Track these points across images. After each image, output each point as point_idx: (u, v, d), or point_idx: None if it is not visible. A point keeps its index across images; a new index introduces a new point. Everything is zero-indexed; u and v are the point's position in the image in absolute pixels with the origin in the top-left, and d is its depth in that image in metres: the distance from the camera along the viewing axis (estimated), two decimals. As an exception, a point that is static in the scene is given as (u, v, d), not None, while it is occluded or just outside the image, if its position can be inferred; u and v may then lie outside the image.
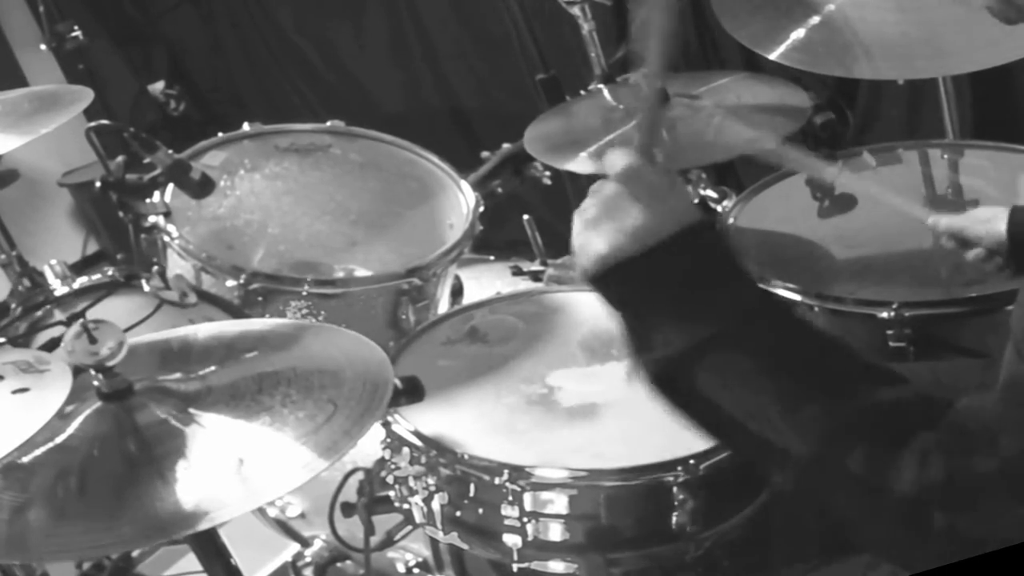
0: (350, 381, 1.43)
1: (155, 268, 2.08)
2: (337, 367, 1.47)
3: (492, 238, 2.39)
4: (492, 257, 2.64)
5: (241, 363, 1.52)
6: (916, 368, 1.78)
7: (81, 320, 1.38)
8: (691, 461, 1.51)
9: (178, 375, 1.47)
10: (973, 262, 1.80)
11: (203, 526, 1.23)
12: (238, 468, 1.29)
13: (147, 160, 2.01)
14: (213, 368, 1.49)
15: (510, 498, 1.53)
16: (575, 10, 2.71)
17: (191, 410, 1.39)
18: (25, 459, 1.35)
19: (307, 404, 1.39)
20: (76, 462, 1.34)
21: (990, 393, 1.33)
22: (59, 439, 1.37)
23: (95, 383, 1.40)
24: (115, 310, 1.91)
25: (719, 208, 2.33)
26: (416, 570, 1.94)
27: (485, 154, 2.70)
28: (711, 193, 2.40)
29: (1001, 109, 2.80)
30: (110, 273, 2.05)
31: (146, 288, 1.96)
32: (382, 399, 1.40)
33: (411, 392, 1.55)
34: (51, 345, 1.77)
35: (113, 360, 1.37)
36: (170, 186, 2.09)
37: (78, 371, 1.41)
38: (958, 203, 2.12)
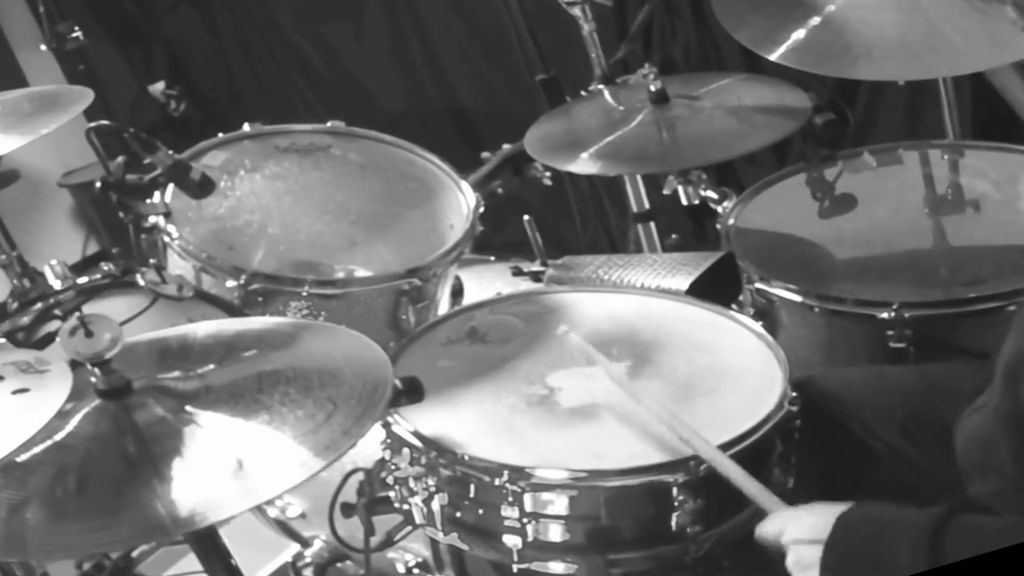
0: (349, 380, 1.43)
1: (152, 262, 2.08)
2: (336, 366, 1.47)
3: (492, 238, 2.39)
4: (492, 257, 2.64)
5: (240, 362, 1.52)
6: (911, 376, 1.78)
7: (77, 313, 1.37)
8: (691, 461, 1.51)
9: (177, 374, 1.47)
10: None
11: (201, 525, 1.23)
12: (237, 469, 1.29)
13: (147, 160, 2.01)
14: (212, 367, 1.49)
15: (510, 499, 1.53)
16: (575, 10, 2.71)
17: (189, 409, 1.39)
18: (23, 457, 1.35)
19: (306, 403, 1.39)
20: (74, 461, 1.34)
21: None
22: (57, 437, 1.37)
23: (93, 380, 1.39)
24: (113, 308, 1.91)
25: (719, 208, 2.33)
26: (416, 571, 1.94)
27: (485, 154, 2.70)
28: (711, 193, 2.40)
29: (1001, 109, 2.80)
30: (107, 268, 2.04)
31: (141, 282, 1.96)
32: (382, 398, 1.40)
33: (411, 392, 1.55)
34: (44, 341, 1.76)
35: (109, 353, 1.37)
36: (170, 186, 2.09)
37: (76, 365, 1.40)
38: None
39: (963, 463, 1.52)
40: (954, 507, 1.30)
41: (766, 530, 1.45)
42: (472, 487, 1.57)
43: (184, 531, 1.24)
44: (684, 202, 2.48)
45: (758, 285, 1.99)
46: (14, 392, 1.41)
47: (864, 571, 1.32)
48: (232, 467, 1.29)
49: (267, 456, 1.32)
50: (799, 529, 1.40)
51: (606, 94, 2.60)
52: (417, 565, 1.94)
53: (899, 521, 1.33)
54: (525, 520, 1.54)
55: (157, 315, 1.93)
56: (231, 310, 2.02)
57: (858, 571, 1.33)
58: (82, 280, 2.06)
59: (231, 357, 1.53)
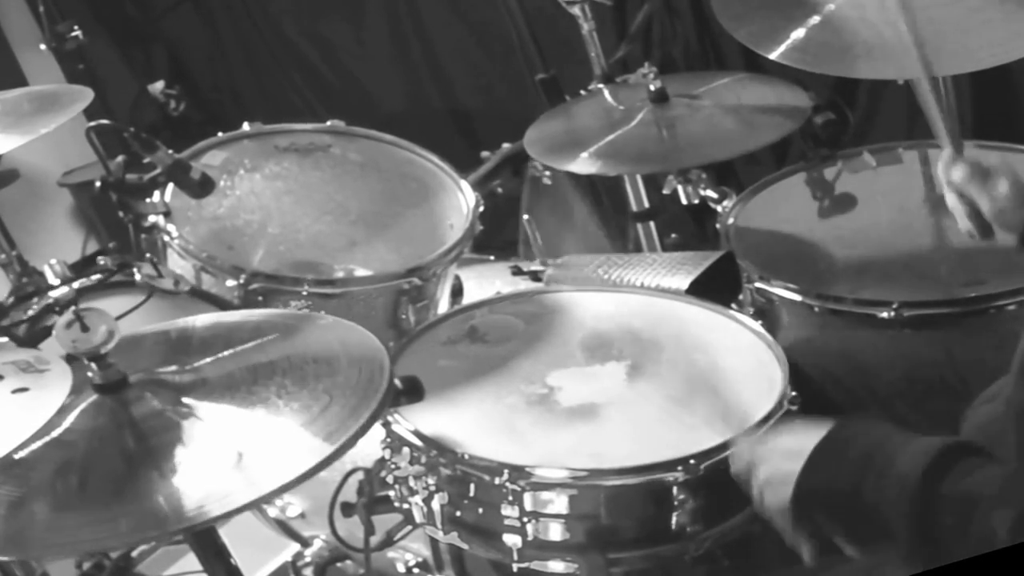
0: (345, 371, 1.43)
1: (148, 256, 2.08)
2: (332, 356, 1.47)
3: (492, 238, 2.39)
4: (492, 257, 2.64)
5: (236, 354, 1.51)
6: (926, 341, 1.77)
7: (72, 308, 1.37)
8: (691, 461, 1.51)
9: (173, 367, 1.47)
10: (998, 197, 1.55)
11: (202, 519, 1.23)
12: (237, 462, 1.29)
13: (147, 160, 2.01)
14: (208, 359, 1.49)
15: (510, 498, 1.53)
16: (575, 10, 2.72)
17: (186, 401, 1.39)
18: (20, 454, 1.35)
19: (302, 395, 1.39)
20: (73, 456, 1.34)
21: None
22: (55, 433, 1.37)
23: (89, 375, 1.39)
24: (110, 305, 1.91)
25: (719, 208, 2.33)
26: (416, 570, 1.95)
27: (485, 154, 2.70)
28: (711, 193, 2.40)
29: (1001, 109, 2.80)
30: (102, 262, 2.04)
31: (138, 277, 1.95)
32: (379, 387, 1.39)
33: (411, 392, 1.55)
34: (42, 335, 1.76)
35: (105, 347, 1.37)
36: (170, 186, 2.09)
37: (71, 359, 1.40)
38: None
39: None
40: (963, 446, 1.23)
41: (742, 450, 1.38)
42: (472, 486, 1.57)
43: (184, 524, 1.24)
44: (684, 202, 2.48)
45: (758, 284, 1.99)
46: (14, 391, 1.41)
47: (844, 496, 1.24)
48: (232, 459, 1.29)
49: (267, 448, 1.32)
50: (780, 442, 1.34)
51: (606, 94, 2.60)
52: (417, 564, 1.94)
53: (896, 444, 1.25)
54: (525, 519, 1.54)
55: (153, 311, 1.93)
56: (227, 308, 2.02)
57: (838, 493, 1.25)
58: (83, 280, 2.06)
59: (227, 350, 1.53)
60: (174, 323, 1.65)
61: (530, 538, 1.55)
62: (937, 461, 1.20)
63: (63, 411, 1.38)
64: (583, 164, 2.33)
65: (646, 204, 2.78)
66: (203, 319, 1.66)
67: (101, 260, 2.04)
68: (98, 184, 2.00)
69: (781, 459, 1.32)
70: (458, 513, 1.60)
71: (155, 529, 1.25)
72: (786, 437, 1.35)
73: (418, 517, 1.66)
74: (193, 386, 1.42)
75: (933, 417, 1.62)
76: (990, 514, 1.14)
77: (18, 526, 1.27)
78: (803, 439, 1.31)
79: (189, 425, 1.36)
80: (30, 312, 1.91)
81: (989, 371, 1.53)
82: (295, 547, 2.13)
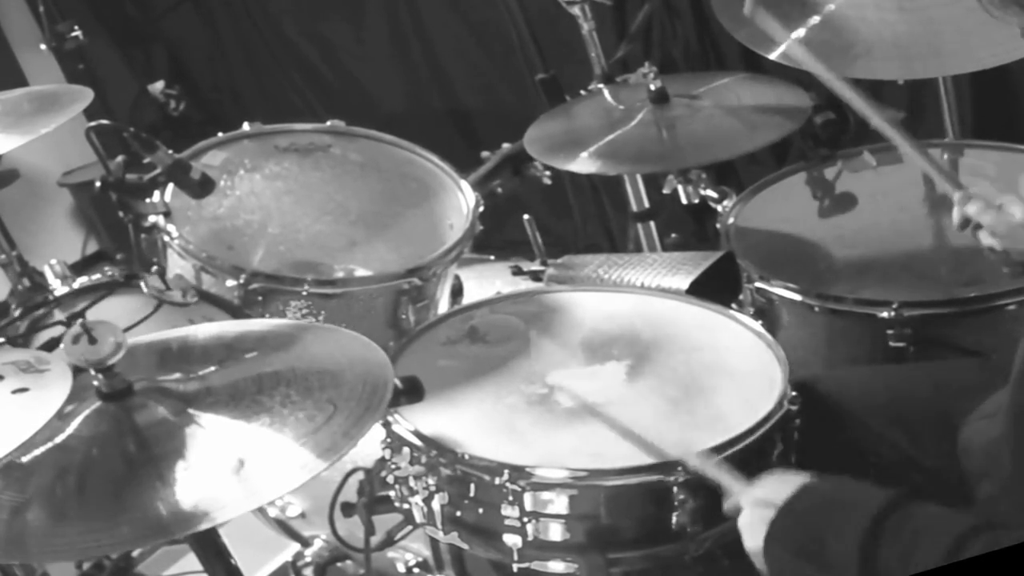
0: (350, 382, 1.43)
1: (154, 268, 2.08)
2: (337, 367, 1.47)
3: (492, 238, 2.39)
4: (492, 257, 2.64)
5: (241, 363, 1.52)
6: (914, 376, 1.78)
7: (81, 320, 1.38)
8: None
9: (178, 375, 1.47)
10: (987, 252, 1.71)
11: (202, 526, 1.23)
12: (238, 469, 1.29)
13: (147, 160, 2.01)
14: (213, 368, 1.49)
15: (510, 498, 1.53)
16: (575, 10, 2.71)
17: (190, 410, 1.39)
18: (24, 459, 1.35)
19: (307, 405, 1.39)
20: (75, 462, 1.34)
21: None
22: (58, 439, 1.37)
23: (95, 383, 1.40)
24: (115, 310, 1.92)
25: (719, 207, 2.33)
26: (416, 570, 1.95)
27: (485, 154, 2.70)
28: (711, 193, 2.40)
29: (1001, 109, 2.80)
30: (110, 273, 2.05)
31: (144, 289, 1.96)
32: (382, 400, 1.40)
33: (411, 392, 1.55)
34: (51, 345, 1.77)
35: (112, 359, 1.37)
36: (170, 186, 2.09)
37: (78, 371, 1.41)
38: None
39: (966, 468, 1.52)
40: (904, 495, 1.30)
41: (735, 501, 1.45)
42: (472, 486, 1.57)
43: (185, 532, 1.24)
44: (684, 201, 2.48)
45: (758, 284, 1.99)
46: (14, 392, 1.41)
47: (808, 542, 1.32)
48: (233, 467, 1.29)
49: (268, 457, 1.32)
50: (760, 491, 1.41)
51: (606, 93, 2.60)
52: (417, 564, 1.94)
53: (848, 499, 1.34)
54: (525, 519, 1.54)
55: (158, 316, 1.93)
56: (232, 311, 2.02)
57: (802, 541, 1.33)
58: (82, 280, 2.07)
59: (231, 359, 1.54)
60: (177, 331, 1.65)
61: (530, 538, 1.55)
62: (877, 519, 1.28)
63: (67, 417, 1.38)
64: (583, 164, 2.33)
65: (646, 204, 2.78)
66: (207, 328, 1.66)
67: (108, 271, 2.05)
68: (98, 184, 2.00)
69: (760, 506, 1.39)
70: (458, 513, 1.60)
71: (155, 535, 1.26)
72: (769, 483, 1.41)
73: (418, 517, 1.66)
74: (197, 395, 1.43)
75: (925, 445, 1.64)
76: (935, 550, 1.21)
77: (20, 531, 1.27)
78: (783, 488, 1.38)
79: (192, 433, 1.36)
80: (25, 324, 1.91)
81: (981, 388, 1.54)
82: (295, 547, 2.13)
